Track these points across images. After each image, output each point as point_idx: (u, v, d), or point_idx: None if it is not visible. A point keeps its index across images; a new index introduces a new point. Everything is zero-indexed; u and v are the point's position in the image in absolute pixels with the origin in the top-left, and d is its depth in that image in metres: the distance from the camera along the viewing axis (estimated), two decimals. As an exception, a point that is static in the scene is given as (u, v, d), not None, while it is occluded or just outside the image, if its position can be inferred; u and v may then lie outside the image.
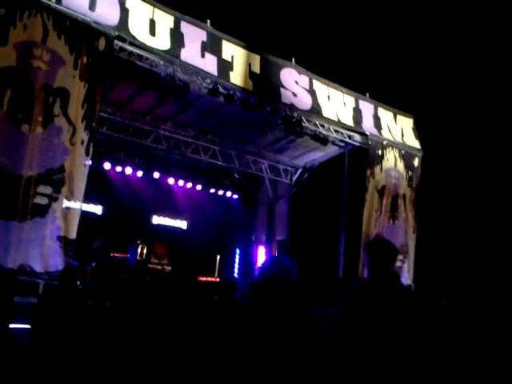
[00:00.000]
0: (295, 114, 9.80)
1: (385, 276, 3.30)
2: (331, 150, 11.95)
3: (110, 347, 3.94)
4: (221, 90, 8.90)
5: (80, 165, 7.16)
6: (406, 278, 11.13)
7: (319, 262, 11.91)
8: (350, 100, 10.94)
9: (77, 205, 7.09)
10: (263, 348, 2.67)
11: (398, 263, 11.30)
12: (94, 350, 4.25)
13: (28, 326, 5.06)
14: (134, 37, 7.87)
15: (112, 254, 9.71)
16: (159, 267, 11.10)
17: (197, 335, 3.64)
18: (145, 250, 11.22)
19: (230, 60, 9.09)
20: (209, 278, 12.05)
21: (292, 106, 9.74)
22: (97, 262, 8.00)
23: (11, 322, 4.60)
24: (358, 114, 10.98)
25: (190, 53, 8.54)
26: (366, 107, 11.25)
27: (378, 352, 2.97)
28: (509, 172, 13.11)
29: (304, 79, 10.19)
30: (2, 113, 6.45)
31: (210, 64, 8.77)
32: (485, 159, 13.70)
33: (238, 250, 14.71)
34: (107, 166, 12.10)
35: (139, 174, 12.81)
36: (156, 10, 8.31)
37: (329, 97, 10.52)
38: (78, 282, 6.08)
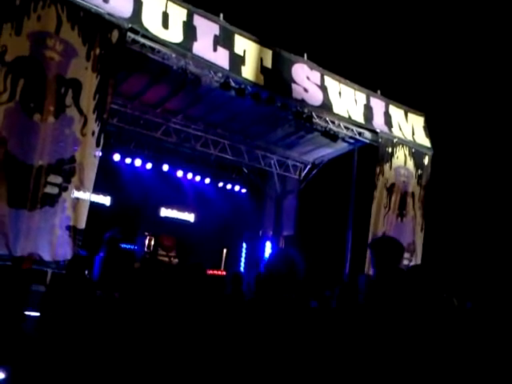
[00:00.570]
0: (306, 110, 9.79)
1: (392, 274, 3.28)
2: (341, 147, 11.92)
3: (118, 337, 3.98)
4: (232, 84, 8.90)
5: (90, 155, 7.21)
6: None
7: (326, 258, 11.91)
8: (361, 97, 10.90)
9: (86, 195, 7.14)
10: (261, 340, 2.69)
11: (405, 261, 11.28)
12: (102, 339, 4.29)
13: (36, 314, 5.12)
14: (146, 29, 7.89)
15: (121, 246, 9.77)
16: (166, 259, 11.16)
17: (202, 328, 3.66)
18: (152, 242, 11.29)
19: (241, 54, 9.08)
20: (215, 272, 12.11)
21: (303, 102, 9.73)
22: (107, 253, 8.05)
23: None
24: (368, 111, 10.94)
25: (202, 46, 8.55)
26: (377, 104, 11.20)
27: (384, 350, 2.97)
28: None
29: (315, 75, 10.16)
30: (15, 102, 6.50)
31: (221, 58, 8.78)
32: (495, 159, 13.61)
33: (244, 245, 14.73)
34: (117, 157, 12.14)
35: (148, 166, 12.85)
36: (169, 2, 8.31)
37: (340, 93, 10.49)
38: (86, 272, 6.13)
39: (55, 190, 6.84)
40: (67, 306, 4.80)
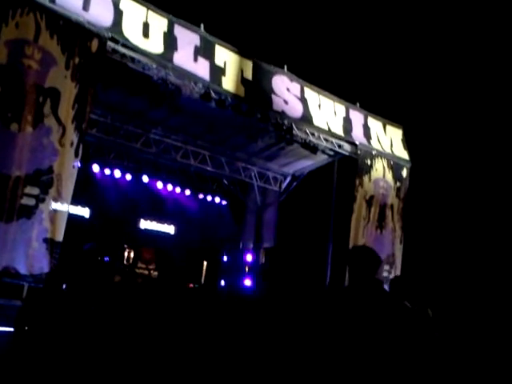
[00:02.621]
0: (286, 122, 9.81)
1: (367, 283, 3.24)
2: (321, 159, 11.97)
3: (98, 352, 3.88)
4: (212, 95, 8.88)
5: (69, 166, 7.07)
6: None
7: (307, 270, 11.88)
8: (340, 109, 10.98)
9: (64, 207, 6.99)
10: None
11: (385, 273, 11.32)
12: (79, 353, 4.17)
13: (10, 329, 4.96)
14: (127, 39, 7.84)
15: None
16: (146, 272, 11.01)
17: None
18: (132, 255, 11.13)
19: (222, 65, 9.08)
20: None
21: (283, 114, 9.75)
22: (86, 265, 7.87)
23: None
24: (348, 123, 11.02)
25: (183, 57, 8.52)
26: (356, 117, 11.30)
27: (354, 359, 2.94)
28: (496, 184, 13.23)
29: (296, 87, 10.21)
30: (-9, 111, 6.36)
31: (202, 69, 8.76)
32: (472, 171, 13.82)
33: (225, 257, 14.63)
34: (96, 168, 11.99)
35: (128, 177, 12.72)
36: (150, 12, 8.28)
37: (320, 105, 10.55)
38: (64, 286, 5.98)
39: (32, 202, 6.68)
40: (44, 321, 4.66)
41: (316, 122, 10.33)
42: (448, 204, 13.78)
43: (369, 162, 11.13)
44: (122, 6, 7.87)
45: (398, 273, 11.57)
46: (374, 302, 3.13)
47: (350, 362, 2.91)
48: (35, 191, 6.72)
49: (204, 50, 8.87)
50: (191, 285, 11.47)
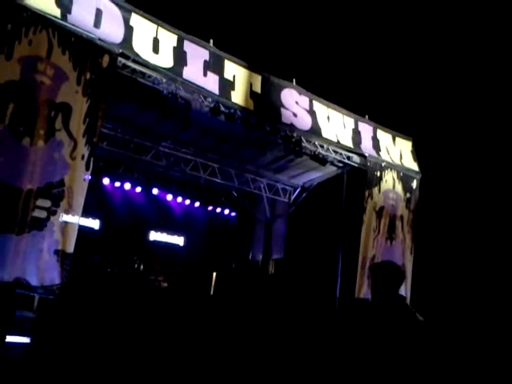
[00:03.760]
0: (295, 134, 9.87)
1: (391, 300, 3.23)
2: (330, 171, 12.01)
3: (113, 363, 3.93)
4: (222, 108, 8.97)
5: (80, 179, 7.17)
6: (403, 301, 11.06)
7: (316, 282, 11.87)
8: (349, 121, 11.02)
9: (75, 219, 7.08)
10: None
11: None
12: (94, 364, 4.22)
13: (25, 340, 5.03)
14: (137, 54, 7.96)
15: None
16: (156, 283, 11.06)
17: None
18: (141, 266, 11.20)
19: (231, 79, 9.18)
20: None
21: (292, 126, 9.81)
22: (97, 277, 7.97)
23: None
24: (357, 135, 11.05)
25: (193, 71, 8.63)
26: (365, 129, 11.32)
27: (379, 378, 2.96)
28: (507, 195, 13.15)
29: (304, 100, 10.28)
30: (4, 126, 6.48)
31: (211, 83, 8.86)
32: (482, 183, 13.75)
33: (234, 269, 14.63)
34: (106, 181, 12.12)
35: (138, 189, 12.83)
36: (160, 28, 8.42)
37: (328, 118, 10.60)
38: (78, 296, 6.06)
39: (44, 214, 6.77)
40: (59, 332, 4.72)
41: (325, 134, 10.38)
42: (458, 215, 13.70)
43: (378, 173, 11.14)
44: (132, 23, 8.01)
45: (409, 284, 11.51)
46: (396, 319, 3.14)
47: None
48: (47, 204, 6.82)
49: (213, 65, 8.98)
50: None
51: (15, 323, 5.03)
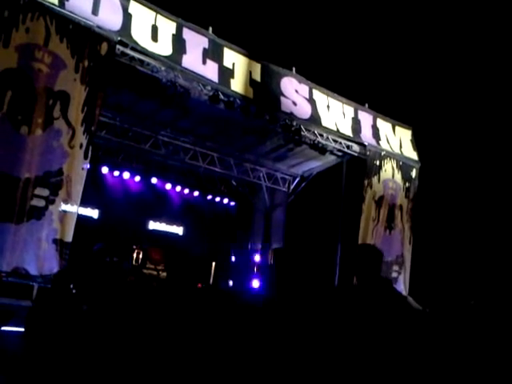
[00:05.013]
0: (294, 123, 9.83)
1: (375, 282, 3.28)
2: (329, 160, 11.97)
3: (107, 352, 3.93)
4: (221, 97, 8.93)
5: (78, 168, 7.15)
6: (402, 290, 11.12)
7: (315, 271, 11.88)
8: (349, 110, 10.98)
9: (73, 208, 7.07)
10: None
11: (394, 274, 11.30)
12: (89, 353, 4.22)
13: (21, 329, 5.03)
14: (135, 42, 7.91)
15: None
16: (155, 273, 11.07)
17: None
18: (140, 255, 11.20)
19: (231, 67, 9.12)
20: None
21: (291, 115, 9.77)
22: (96, 265, 7.96)
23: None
24: (356, 124, 11.02)
25: (192, 59, 8.57)
26: (365, 117, 11.29)
27: (363, 358, 2.97)
28: (506, 184, 13.15)
29: (304, 88, 10.23)
30: (2, 114, 6.45)
31: (211, 71, 8.81)
32: (482, 171, 13.74)
33: (233, 258, 14.66)
34: (105, 170, 12.08)
35: (137, 178, 12.80)
36: (159, 16, 8.35)
37: (328, 106, 10.56)
38: (72, 286, 6.04)
39: (42, 203, 6.76)
40: (53, 322, 4.72)
41: (324, 123, 10.34)
42: (457, 204, 13.71)
43: (378, 162, 11.12)
44: (130, 10, 7.94)
45: (408, 274, 11.55)
46: (382, 301, 3.16)
47: (359, 361, 2.95)
48: (45, 193, 6.81)
49: (212, 53, 8.92)
50: (199, 284, 11.50)
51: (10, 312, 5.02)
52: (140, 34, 7.98)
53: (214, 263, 13.36)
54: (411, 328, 3.18)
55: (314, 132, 10.24)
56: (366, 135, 11.10)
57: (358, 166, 11.23)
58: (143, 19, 8.10)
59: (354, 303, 3.28)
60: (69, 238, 7.01)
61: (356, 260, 3.42)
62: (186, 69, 8.46)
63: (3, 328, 4.98)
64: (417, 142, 12.21)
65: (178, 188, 13.62)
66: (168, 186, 13.43)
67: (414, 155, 12.02)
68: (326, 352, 3.11)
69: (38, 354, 4.46)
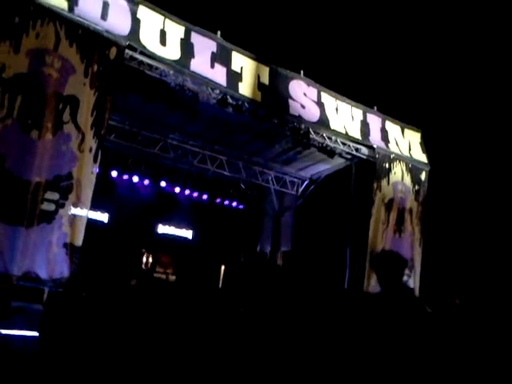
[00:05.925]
0: (303, 126, 9.81)
1: (396, 288, 3.28)
2: (338, 163, 11.94)
3: (119, 356, 3.93)
4: (229, 100, 8.93)
5: (88, 172, 7.18)
6: (412, 293, 11.05)
7: (324, 274, 11.84)
8: (357, 113, 10.94)
9: (83, 212, 7.09)
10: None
11: (405, 277, 11.20)
12: (102, 357, 4.23)
13: (34, 334, 5.05)
14: (144, 46, 7.94)
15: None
16: (164, 276, 11.10)
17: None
18: (150, 259, 11.23)
19: (239, 71, 9.13)
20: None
21: (300, 118, 9.76)
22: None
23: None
24: (365, 127, 10.97)
25: (200, 63, 8.59)
26: (374, 120, 11.24)
27: (387, 365, 2.95)
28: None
29: (312, 91, 10.21)
30: (12, 119, 6.49)
31: (219, 75, 8.82)
32: (492, 174, 13.65)
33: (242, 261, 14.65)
34: (114, 173, 12.13)
35: (146, 182, 12.84)
36: (167, 20, 8.39)
37: (337, 109, 10.53)
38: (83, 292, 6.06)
39: (52, 207, 6.79)
40: (67, 326, 4.73)
41: (333, 125, 10.31)
42: (467, 207, 13.62)
43: (387, 165, 11.06)
44: (139, 15, 7.98)
45: (418, 277, 11.46)
46: (405, 308, 3.17)
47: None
48: (55, 197, 6.83)
49: (221, 57, 8.93)
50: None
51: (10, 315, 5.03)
52: (148, 38, 8.02)
53: (223, 266, 13.37)
54: (435, 336, 3.18)
55: (322, 135, 10.22)
56: (375, 138, 11.05)
57: (367, 168, 11.17)
58: (152, 24, 8.13)
59: (379, 311, 3.28)
60: (79, 241, 7.02)
61: (379, 267, 3.42)
62: (194, 73, 8.48)
63: (18, 333, 5.00)
64: (426, 145, 12.14)
65: (187, 191, 13.66)
66: (177, 190, 13.47)
67: (423, 158, 11.94)
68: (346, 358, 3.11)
69: (53, 358, 4.47)
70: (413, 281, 11.31)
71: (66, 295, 5.23)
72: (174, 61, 8.29)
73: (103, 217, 12.62)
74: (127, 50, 7.71)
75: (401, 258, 3.48)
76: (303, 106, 9.88)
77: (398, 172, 11.29)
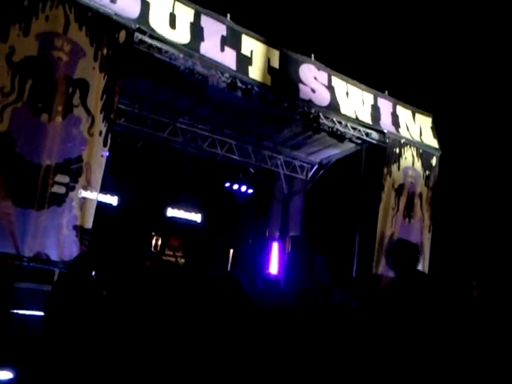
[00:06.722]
0: (313, 110, 9.76)
1: (414, 274, 3.38)
2: (348, 147, 11.88)
3: (125, 337, 3.98)
4: (239, 84, 8.90)
5: (97, 155, 7.22)
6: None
7: (333, 259, 11.87)
8: (368, 97, 10.85)
9: (93, 195, 7.15)
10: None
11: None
12: (108, 339, 4.28)
13: (41, 314, 5.12)
14: (153, 30, 7.91)
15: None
16: (173, 259, 11.19)
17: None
18: (159, 242, 11.32)
19: (249, 55, 9.08)
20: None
21: (310, 102, 9.70)
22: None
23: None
24: (376, 111, 10.89)
25: (210, 47, 8.55)
26: (385, 105, 11.15)
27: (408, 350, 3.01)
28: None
29: (323, 75, 10.13)
30: (22, 102, 6.54)
31: (229, 58, 8.78)
32: (503, 160, 13.52)
33: (251, 245, 14.72)
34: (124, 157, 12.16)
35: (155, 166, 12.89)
36: (177, 3, 8.33)
37: (347, 93, 10.45)
38: (94, 273, 6.12)
39: (62, 190, 6.86)
40: (72, 306, 4.79)
41: (343, 110, 10.24)
42: (478, 193, 13.53)
43: (397, 150, 10.99)
44: (149, -2, 7.94)
45: (427, 262, 11.45)
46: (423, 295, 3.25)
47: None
48: (65, 180, 6.90)
49: (231, 40, 8.88)
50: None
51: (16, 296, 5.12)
52: (158, 21, 7.98)
53: (231, 250, 13.45)
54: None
55: (332, 119, 10.16)
56: (386, 123, 10.97)
57: (378, 153, 11.11)
58: (161, 7, 8.09)
59: (397, 296, 3.36)
60: (89, 224, 7.10)
61: (395, 255, 3.53)
62: (203, 56, 8.44)
63: (24, 312, 5.08)
64: (437, 130, 12.03)
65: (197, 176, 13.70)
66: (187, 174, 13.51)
67: (434, 143, 11.85)
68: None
69: (58, 338, 4.54)
70: (421, 266, 11.30)
71: (73, 276, 5.25)
72: (184, 44, 8.25)
73: (113, 200, 12.70)
74: (136, 34, 7.69)
75: (415, 246, 3.60)
76: (313, 90, 9.82)
77: (409, 157, 11.22)
